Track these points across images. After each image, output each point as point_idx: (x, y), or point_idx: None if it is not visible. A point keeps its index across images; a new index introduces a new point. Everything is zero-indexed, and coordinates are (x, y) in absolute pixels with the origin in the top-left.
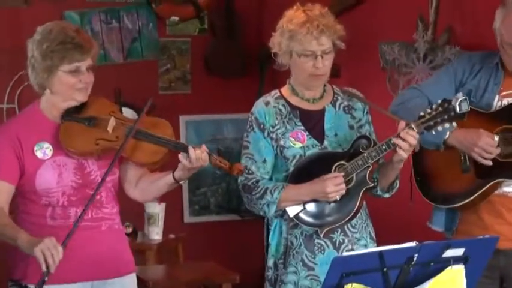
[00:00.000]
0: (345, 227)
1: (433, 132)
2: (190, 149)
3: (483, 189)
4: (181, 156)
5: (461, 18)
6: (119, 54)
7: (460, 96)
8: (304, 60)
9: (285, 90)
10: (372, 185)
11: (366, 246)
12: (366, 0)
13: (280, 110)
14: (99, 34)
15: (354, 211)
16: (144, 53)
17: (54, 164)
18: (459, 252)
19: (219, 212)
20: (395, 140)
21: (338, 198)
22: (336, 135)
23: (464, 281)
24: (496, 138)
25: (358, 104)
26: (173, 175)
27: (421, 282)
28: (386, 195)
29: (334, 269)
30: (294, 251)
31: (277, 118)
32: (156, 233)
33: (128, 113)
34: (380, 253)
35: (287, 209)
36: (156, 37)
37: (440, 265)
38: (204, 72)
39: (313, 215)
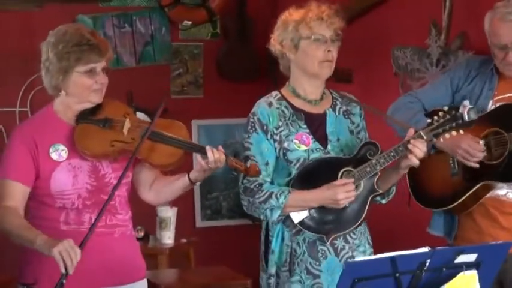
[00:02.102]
0: (346, 234)
1: (441, 140)
2: (208, 150)
3: (470, 192)
4: (199, 157)
5: (474, 23)
6: (131, 59)
7: (468, 104)
8: (314, 46)
9: (286, 92)
10: (380, 191)
11: (364, 252)
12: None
13: (283, 111)
14: (111, 38)
15: (361, 218)
16: (157, 57)
17: (69, 166)
18: (471, 258)
19: (231, 216)
20: (408, 146)
21: (347, 205)
22: (338, 140)
23: (477, 286)
24: (481, 142)
25: (356, 109)
26: (188, 176)
27: (434, 287)
28: (384, 201)
29: (346, 275)
30: (299, 259)
31: (280, 120)
32: (167, 237)
33: (140, 116)
34: (392, 258)
35: (291, 215)
36: (169, 41)
37: (452, 271)
38: (217, 77)
39: (319, 222)
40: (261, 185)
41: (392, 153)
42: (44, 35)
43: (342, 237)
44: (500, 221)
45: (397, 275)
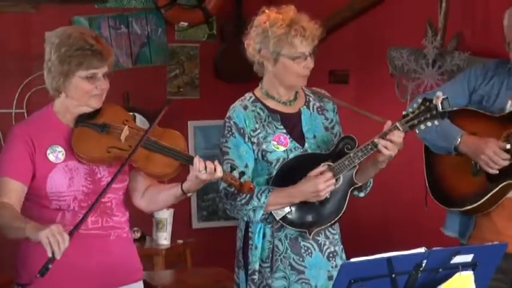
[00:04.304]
0: (326, 229)
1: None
2: (195, 159)
3: (493, 191)
4: (196, 163)
5: (470, 24)
6: (127, 60)
7: (441, 95)
8: (295, 63)
9: (259, 94)
10: (360, 184)
11: (339, 248)
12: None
13: (258, 113)
14: (108, 39)
15: (342, 211)
16: (153, 58)
17: (66, 168)
18: (467, 258)
19: (228, 217)
20: (381, 141)
21: (328, 196)
22: (314, 137)
23: (474, 287)
24: (508, 146)
25: (329, 104)
26: (181, 187)
27: None
28: (361, 195)
29: (342, 275)
30: (281, 256)
31: (257, 122)
32: (164, 238)
33: (139, 122)
34: (388, 259)
35: (273, 212)
36: (165, 42)
37: (448, 271)
38: (213, 78)
39: (301, 217)
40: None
41: (369, 146)
42: (41, 36)
43: (323, 233)
44: None
45: (393, 275)
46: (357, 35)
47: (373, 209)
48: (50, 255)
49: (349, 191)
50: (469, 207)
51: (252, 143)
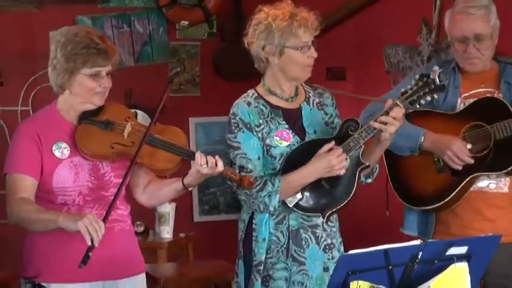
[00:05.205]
0: (324, 223)
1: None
2: (197, 154)
3: (460, 185)
4: (194, 160)
5: None
6: (130, 58)
7: (437, 68)
8: (300, 53)
9: (261, 90)
10: (367, 164)
11: (337, 240)
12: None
13: (261, 110)
14: (110, 38)
15: (353, 191)
16: (155, 56)
17: (71, 164)
18: (462, 250)
19: (228, 211)
20: (383, 118)
21: (343, 172)
22: (315, 132)
23: (468, 278)
24: (469, 146)
25: (328, 99)
26: (182, 181)
27: (425, 279)
28: (369, 181)
29: (340, 267)
30: (283, 248)
31: (260, 118)
32: (166, 232)
33: (141, 118)
34: (385, 251)
35: (286, 200)
36: (166, 41)
37: (443, 263)
38: (213, 75)
39: (313, 201)
40: (256, 178)
41: (373, 126)
42: (44, 36)
43: (320, 226)
44: (485, 213)
45: (390, 267)
46: (353, 33)
47: (372, 202)
48: (89, 243)
49: (358, 171)
50: (438, 205)
51: (258, 137)
